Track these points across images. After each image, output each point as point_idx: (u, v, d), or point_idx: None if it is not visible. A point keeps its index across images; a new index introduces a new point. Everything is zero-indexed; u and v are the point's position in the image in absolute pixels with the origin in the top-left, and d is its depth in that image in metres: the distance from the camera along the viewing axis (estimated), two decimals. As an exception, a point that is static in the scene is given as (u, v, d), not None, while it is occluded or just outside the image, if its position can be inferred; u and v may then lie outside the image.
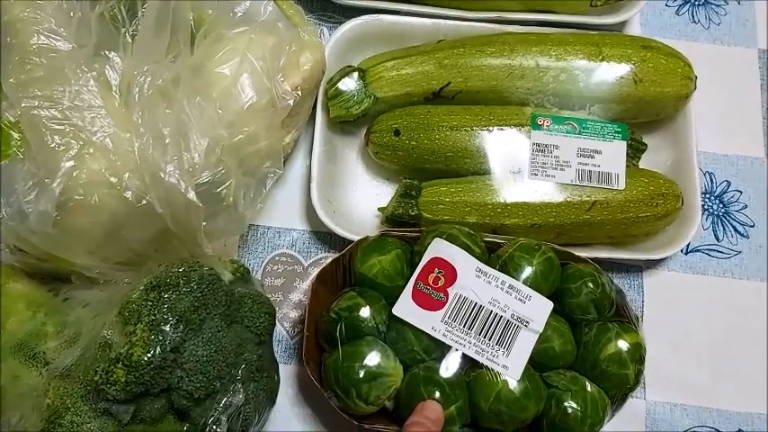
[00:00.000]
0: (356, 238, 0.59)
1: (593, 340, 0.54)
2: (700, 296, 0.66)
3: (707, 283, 0.67)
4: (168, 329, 0.45)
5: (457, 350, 0.52)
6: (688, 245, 0.68)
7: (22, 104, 0.48)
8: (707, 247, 0.68)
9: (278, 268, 0.64)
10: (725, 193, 0.70)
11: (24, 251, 0.53)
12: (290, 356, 0.62)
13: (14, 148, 0.50)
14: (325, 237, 0.65)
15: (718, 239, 0.68)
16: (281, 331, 0.63)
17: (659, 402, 0.63)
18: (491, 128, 0.62)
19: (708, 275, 0.67)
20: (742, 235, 0.69)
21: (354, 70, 0.64)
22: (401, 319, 0.53)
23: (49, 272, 0.54)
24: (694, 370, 0.64)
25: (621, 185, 0.61)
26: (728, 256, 0.68)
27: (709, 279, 0.67)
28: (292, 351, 0.62)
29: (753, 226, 0.69)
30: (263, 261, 0.65)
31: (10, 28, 0.50)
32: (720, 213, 0.69)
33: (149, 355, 0.44)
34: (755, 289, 0.67)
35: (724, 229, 0.69)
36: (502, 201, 0.61)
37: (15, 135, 0.50)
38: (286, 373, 0.61)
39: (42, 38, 0.50)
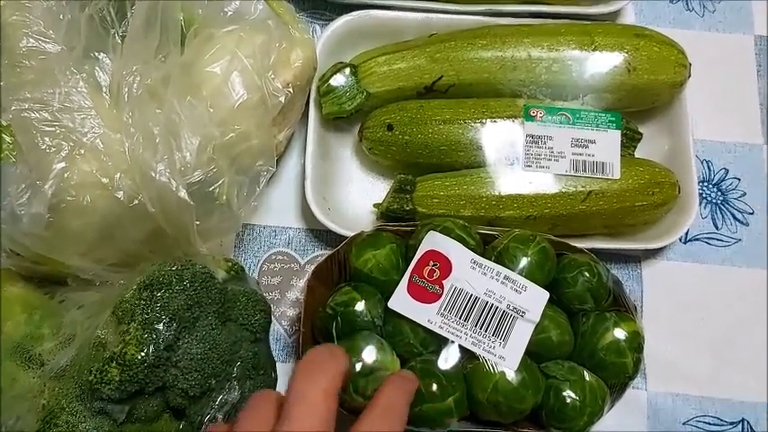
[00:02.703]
0: (352, 234, 0.59)
1: (590, 330, 0.54)
2: (700, 285, 0.66)
3: (707, 272, 0.66)
4: (161, 328, 0.45)
5: (453, 342, 0.52)
6: (687, 234, 0.67)
7: (13, 107, 0.49)
8: (706, 235, 0.68)
9: (274, 267, 0.64)
10: (723, 180, 0.69)
11: (19, 254, 0.53)
12: (288, 354, 0.62)
13: (6, 152, 0.50)
14: (321, 234, 0.65)
15: (717, 227, 0.68)
16: (280, 329, 0.63)
17: (661, 393, 0.63)
18: (484, 120, 0.62)
19: (707, 264, 0.67)
20: (741, 222, 0.68)
21: (346, 66, 0.64)
22: (397, 313, 0.53)
23: (44, 275, 0.54)
24: (696, 359, 0.64)
25: (617, 175, 0.61)
26: (728, 244, 0.67)
27: (709, 267, 0.67)
28: (291, 349, 0.62)
29: (752, 213, 0.68)
30: (259, 260, 0.65)
31: (-1, 32, 0.50)
32: (719, 201, 0.69)
33: (143, 353, 0.44)
34: (756, 276, 0.66)
35: (723, 216, 0.68)
36: (497, 193, 0.60)
37: (7, 138, 0.50)
38: (285, 370, 0.61)
39: (32, 41, 0.50)
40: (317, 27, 0.72)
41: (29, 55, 0.49)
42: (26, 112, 0.48)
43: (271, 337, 0.57)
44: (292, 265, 0.64)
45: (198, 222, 0.52)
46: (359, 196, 0.66)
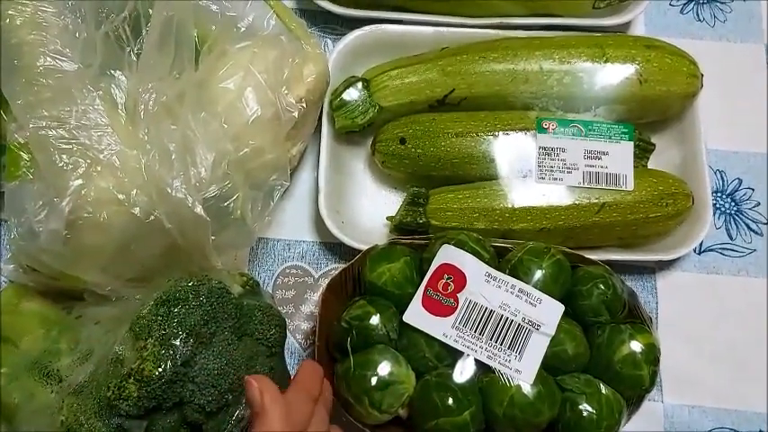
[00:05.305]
0: (365, 247, 0.59)
1: (606, 342, 0.54)
2: (715, 296, 0.66)
3: (722, 283, 0.66)
4: (178, 344, 0.46)
5: (469, 356, 0.52)
6: (701, 244, 0.67)
7: (31, 125, 0.49)
8: (720, 246, 0.67)
9: (288, 280, 0.65)
10: (736, 190, 0.69)
11: (37, 270, 0.53)
12: (303, 368, 0.62)
13: (24, 169, 0.51)
14: (334, 248, 0.66)
15: (731, 238, 0.68)
16: (294, 343, 0.63)
17: (677, 405, 0.62)
18: (496, 133, 0.62)
19: (722, 275, 0.66)
20: (755, 232, 0.68)
21: (358, 80, 0.65)
22: (412, 326, 0.53)
23: (61, 290, 0.55)
24: (712, 371, 0.63)
25: (630, 186, 0.61)
26: (742, 254, 0.67)
27: (724, 278, 0.66)
28: (305, 362, 0.62)
29: (766, 223, 0.68)
30: (273, 274, 0.65)
31: (17, 51, 0.51)
32: (733, 211, 0.69)
33: (160, 369, 0.45)
34: (771, 286, 0.66)
35: (737, 227, 0.68)
36: (510, 206, 0.60)
37: (25, 156, 0.51)
38: (299, 384, 0.61)
39: (49, 59, 0.51)
40: (329, 41, 0.72)
41: (46, 74, 0.50)
42: (43, 129, 0.49)
43: (285, 350, 0.57)
44: (306, 279, 0.65)
45: (213, 237, 0.52)
46: (372, 209, 0.66)
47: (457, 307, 0.53)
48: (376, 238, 0.63)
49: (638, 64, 0.63)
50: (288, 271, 0.65)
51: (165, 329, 0.46)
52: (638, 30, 0.74)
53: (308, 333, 0.63)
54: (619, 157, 0.62)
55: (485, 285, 0.54)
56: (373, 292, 0.55)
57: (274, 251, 0.65)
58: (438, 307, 0.53)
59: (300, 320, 0.63)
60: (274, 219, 0.66)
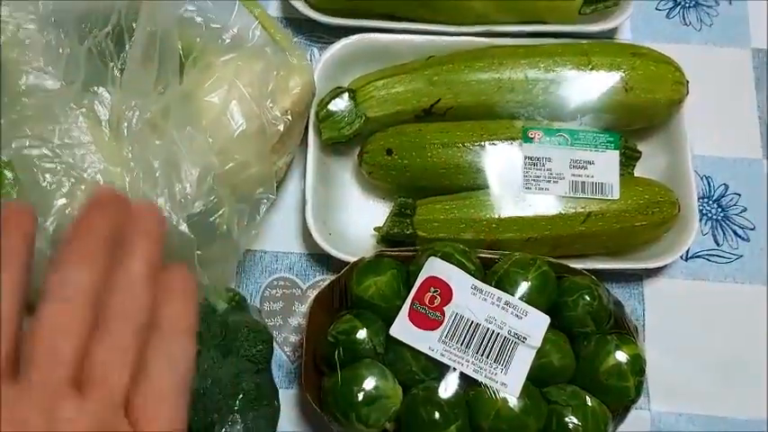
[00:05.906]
0: (353, 259, 0.59)
1: (591, 353, 0.54)
2: (702, 302, 0.66)
3: (709, 289, 0.66)
4: (164, 363, 0.46)
5: (455, 369, 0.52)
6: (688, 251, 0.67)
7: (13, 144, 0.49)
8: (707, 252, 0.68)
9: (276, 293, 0.64)
10: (723, 196, 0.69)
11: (22, 288, 0.53)
12: (291, 381, 0.62)
13: (8, 188, 0.50)
14: (322, 259, 0.66)
15: (718, 244, 0.68)
16: (282, 356, 0.63)
17: (664, 413, 0.62)
18: (483, 143, 0.62)
19: (709, 281, 0.67)
20: (742, 238, 0.68)
21: (344, 91, 0.65)
22: (399, 340, 0.53)
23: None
24: (700, 378, 0.63)
25: (616, 195, 0.61)
26: (729, 260, 0.67)
27: (711, 285, 0.66)
28: (293, 375, 0.62)
29: (753, 229, 0.68)
30: (260, 286, 0.65)
31: (-1, 69, 0.51)
32: (719, 217, 0.69)
33: (146, 389, 0.44)
34: (758, 293, 0.66)
35: (724, 233, 0.68)
36: (497, 216, 0.60)
37: (9, 174, 0.50)
38: (288, 397, 0.61)
39: (32, 78, 0.51)
40: (315, 50, 0.72)
41: (28, 92, 0.50)
42: (27, 148, 0.49)
43: (273, 364, 0.57)
44: (294, 291, 0.65)
45: (199, 252, 0.52)
46: (359, 220, 0.66)
47: (443, 320, 0.53)
48: (364, 248, 0.63)
49: (623, 72, 0.63)
50: (275, 283, 0.65)
51: (150, 349, 0.46)
52: (625, 35, 0.74)
53: (297, 346, 0.63)
54: (605, 166, 0.62)
55: (471, 298, 0.54)
56: (360, 306, 0.55)
57: (262, 263, 0.65)
58: (424, 321, 0.53)
59: (289, 333, 0.63)
60: (262, 230, 0.66)
